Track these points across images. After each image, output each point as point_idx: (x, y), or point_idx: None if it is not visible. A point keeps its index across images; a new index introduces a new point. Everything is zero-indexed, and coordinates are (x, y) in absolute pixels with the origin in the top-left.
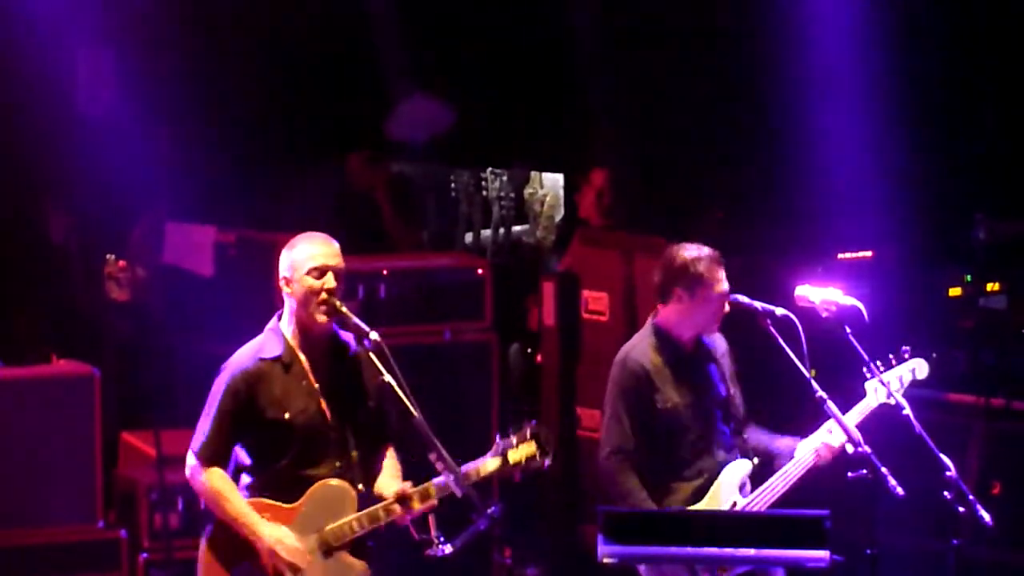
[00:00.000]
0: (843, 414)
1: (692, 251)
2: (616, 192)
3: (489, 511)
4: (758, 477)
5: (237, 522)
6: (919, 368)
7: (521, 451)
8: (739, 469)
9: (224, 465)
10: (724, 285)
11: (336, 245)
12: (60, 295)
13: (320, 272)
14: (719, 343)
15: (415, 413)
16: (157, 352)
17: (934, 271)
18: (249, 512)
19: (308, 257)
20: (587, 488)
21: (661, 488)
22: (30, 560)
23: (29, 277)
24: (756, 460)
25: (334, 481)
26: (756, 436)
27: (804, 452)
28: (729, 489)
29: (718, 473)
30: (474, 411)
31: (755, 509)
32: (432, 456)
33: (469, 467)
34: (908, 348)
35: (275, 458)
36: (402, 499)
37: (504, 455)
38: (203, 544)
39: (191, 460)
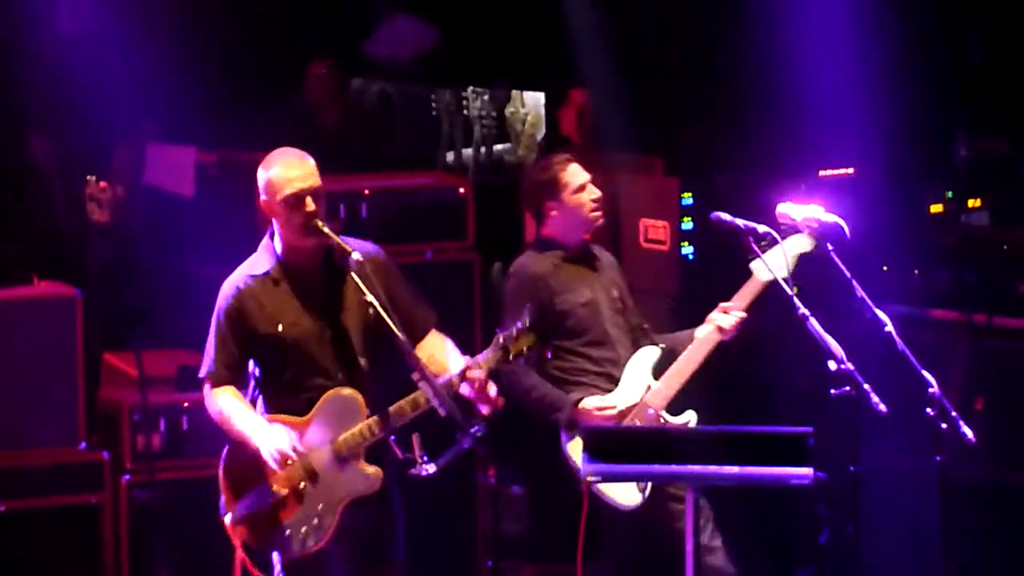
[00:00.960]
0: (826, 332)
1: (540, 164)
2: (597, 110)
3: (473, 430)
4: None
5: (243, 436)
6: (800, 241)
7: (521, 342)
8: (648, 355)
9: (238, 385)
10: (581, 176)
11: (311, 163)
12: (41, 217)
13: (297, 199)
14: (604, 256)
15: (398, 333)
16: (139, 273)
17: (916, 188)
18: (250, 422)
19: (283, 183)
20: None
21: (564, 384)
22: (11, 482)
23: (10, 199)
24: (664, 346)
25: (344, 391)
26: (657, 336)
27: (705, 331)
28: (640, 374)
29: (622, 365)
30: (456, 330)
31: (669, 391)
32: (415, 376)
33: (471, 361)
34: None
35: (279, 371)
36: (413, 402)
37: (505, 348)
38: (221, 466)
39: (205, 388)
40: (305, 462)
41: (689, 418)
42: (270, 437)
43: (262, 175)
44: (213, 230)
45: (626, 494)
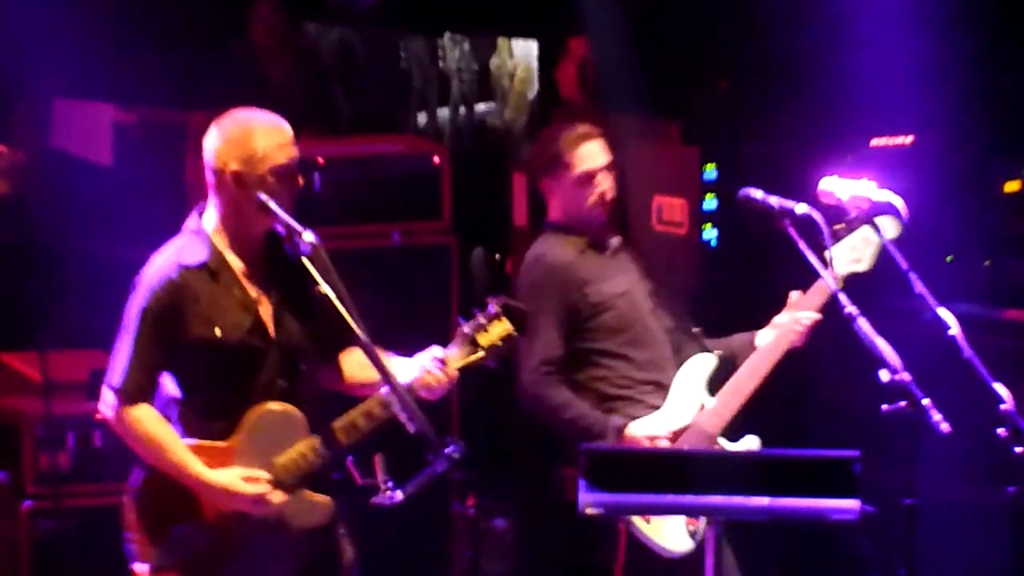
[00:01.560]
0: (877, 335)
1: (549, 133)
2: (602, 64)
3: (448, 450)
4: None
5: (179, 471)
6: (885, 225)
7: (493, 332)
8: (702, 364)
9: (152, 399)
10: (591, 161)
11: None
12: None
13: (289, 171)
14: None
15: (359, 333)
16: (44, 257)
17: (987, 161)
18: (191, 459)
19: (274, 151)
20: None
21: (606, 400)
22: None
23: None
24: (720, 352)
25: (273, 405)
26: (709, 342)
27: (770, 337)
28: (692, 389)
29: (671, 372)
30: (428, 329)
31: (727, 411)
32: (380, 382)
33: (435, 357)
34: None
35: (209, 384)
36: (368, 412)
37: (473, 342)
38: (131, 501)
39: (110, 398)
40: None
41: (750, 445)
42: (229, 480)
43: (241, 141)
44: (135, 205)
45: (673, 538)
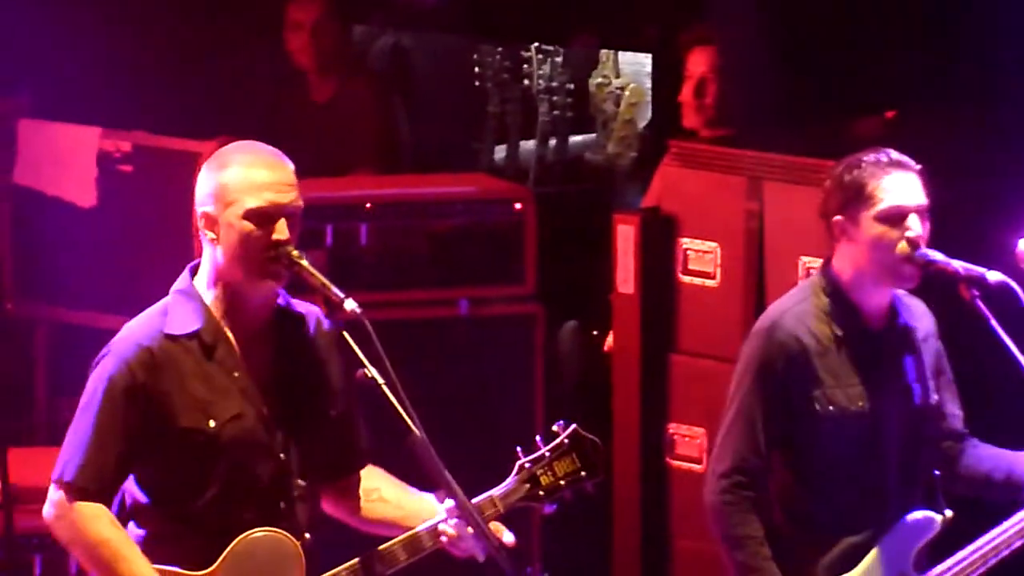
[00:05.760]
0: None
1: (854, 159)
2: (732, 84)
3: None
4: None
5: None
6: None
7: (558, 469)
8: (916, 529)
9: (109, 502)
10: (910, 199)
11: (290, 167)
12: None
13: (265, 216)
14: (922, 317)
15: (415, 429)
16: (3, 329)
17: None
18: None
19: (247, 188)
20: (681, 548)
21: (796, 543)
22: None
23: None
24: (950, 514)
25: (263, 532)
26: (979, 458)
27: None
28: (895, 562)
29: (888, 528)
30: (506, 423)
31: None
32: (439, 495)
33: (481, 500)
34: None
35: (191, 493)
36: (386, 553)
37: (533, 479)
38: None
39: (54, 494)
40: None
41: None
42: None
43: (209, 179)
44: (126, 262)
45: None
